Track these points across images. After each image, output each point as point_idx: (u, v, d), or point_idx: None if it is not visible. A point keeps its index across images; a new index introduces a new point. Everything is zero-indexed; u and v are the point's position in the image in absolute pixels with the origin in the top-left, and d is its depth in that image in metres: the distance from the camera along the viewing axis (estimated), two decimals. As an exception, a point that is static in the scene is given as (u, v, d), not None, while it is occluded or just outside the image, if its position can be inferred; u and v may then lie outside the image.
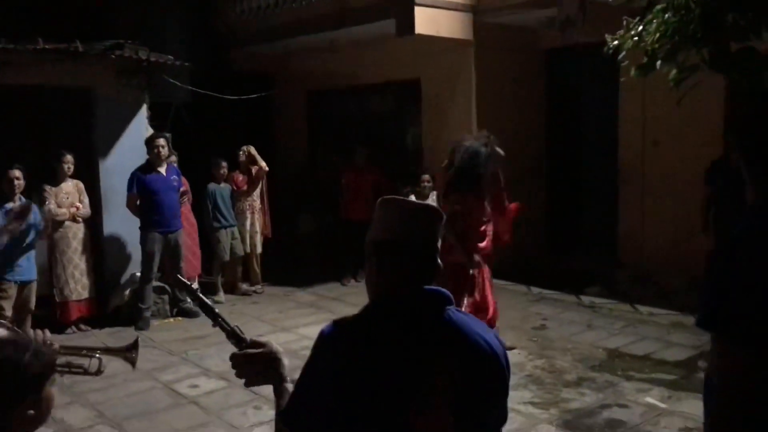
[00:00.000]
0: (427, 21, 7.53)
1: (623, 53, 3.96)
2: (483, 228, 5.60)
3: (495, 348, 1.58)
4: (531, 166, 8.78)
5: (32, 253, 6.00)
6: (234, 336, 1.74)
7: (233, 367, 1.70)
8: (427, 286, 1.57)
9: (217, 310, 1.82)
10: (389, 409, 1.47)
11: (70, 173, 6.57)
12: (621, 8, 4.17)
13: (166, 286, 7.23)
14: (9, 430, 1.67)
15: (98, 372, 2.30)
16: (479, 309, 5.47)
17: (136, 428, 4.51)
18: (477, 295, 5.53)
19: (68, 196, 6.55)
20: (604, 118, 8.14)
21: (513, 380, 5.04)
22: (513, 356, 5.63)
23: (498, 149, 5.73)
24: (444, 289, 1.59)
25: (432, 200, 8.07)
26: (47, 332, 2.16)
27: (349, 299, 7.44)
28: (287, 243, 9.31)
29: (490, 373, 1.57)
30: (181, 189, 7.28)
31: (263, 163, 8.05)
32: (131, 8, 8.75)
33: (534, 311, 7.13)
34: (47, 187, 6.45)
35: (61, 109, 6.98)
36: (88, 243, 6.72)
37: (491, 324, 5.41)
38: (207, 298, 1.87)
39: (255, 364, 1.69)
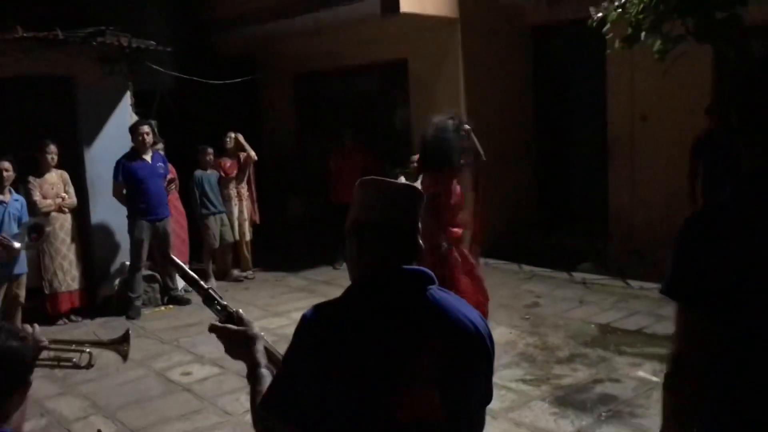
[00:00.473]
0: (412, -1, 7.46)
1: (608, 26, 3.93)
2: (454, 209, 5.41)
3: (479, 326, 1.57)
4: (520, 143, 8.76)
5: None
6: (224, 311, 1.80)
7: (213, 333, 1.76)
8: (408, 266, 1.55)
9: (207, 286, 1.85)
10: (374, 390, 1.46)
11: (54, 164, 6.49)
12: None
13: (156, 275, 7.19)
14: (8, 415, 1.69)
15: (89, 366, 2.28)
16: None
17: (129, 417, 4.50)
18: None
19: (53, 186, 6.48)
20: (592, 94, 8.11)
21: (505, 358, 5.11)
22: (505, 334, 5.66)
23: (474, 139, 5.54)
24: (426, 269, 1.57)
25: (421, 180, 8.04)
26: (36, 327, 2.14)
27: (341, 282, 7.40)
28: (276, 228, 9.28)
29: (475, 352, 1.56)
30: (169, 176, 7.22)
31: (252, 153, 8.01)
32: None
33: (526, 289, 7.14)
34: (31, 179, 6.38)
35: (42, 98, 6.88)
36: (76, 233, 6.67)
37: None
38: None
39: (231, 339, 1.73)
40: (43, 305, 6.50)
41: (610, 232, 7.82)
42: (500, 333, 5.63)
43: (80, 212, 6.87)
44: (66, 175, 6.61)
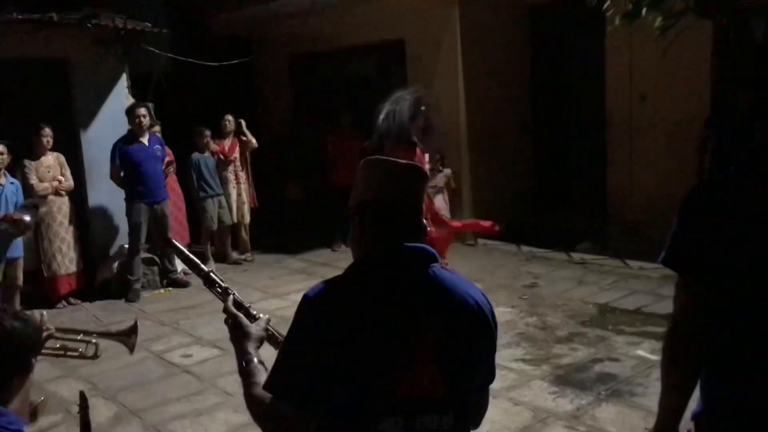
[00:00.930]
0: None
1: (608, 2, 3.90)
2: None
3: (482, 305, 1.57)
4: (518, 123, 8.74)
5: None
6: (225, 293, 1.80)
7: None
8: (410, 244, 1.54)
9: (207, 269, 1.85)
10: (376, 367, 1.46)
11: (49, 146, 6.45)
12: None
13: (155, 258, 7.19)
14: (8, 398, 1.69)
15: (95, 356, 2.27)
16: None
17: (130, 399, 4.51)
18: None
19: (49, 169, 6.45)
20: (590, 73, 8.07)
21: (505, 338, 5.13)
22: (504, 315, 5.68)
23: (434, 116, 5.37)
24: (428, 247, 1.57)
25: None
26: (44, 313, 2.14)
27: (340, 264, 7.42)
28: (275, 210, 9.26)
29: (477, 330, 1.56)
30: (166, 159, 7.19)
31: (253, 140, 7.98)
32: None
33: (525, 270, 7.15)
34: (27, 162, 6.35)
35: (38, 81, 6.83)
36: (74, 216, 6.65)
37: None
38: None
39: (231, 329, 1.73)
40: (42, 288, 6.50)
41: (608, 212, 7.82)
42: (500, 313, 5.59)
43: (78, 195, 6.85)
44: (62, 158, 6.58)
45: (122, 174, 6.77)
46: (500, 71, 8.46)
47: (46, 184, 6.38)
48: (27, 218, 5.62)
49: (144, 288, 6.97)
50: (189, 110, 8.83)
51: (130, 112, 6.78)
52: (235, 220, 8.05)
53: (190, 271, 6.57)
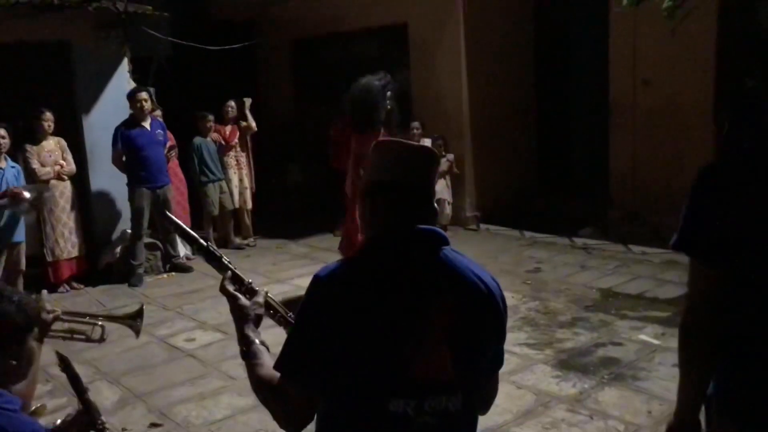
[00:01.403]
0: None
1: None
2: None
3: (491, 288, 1.57)
4: (521, 107, 8.70)
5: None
6: (227, 269, 1.76)
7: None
8: (421, 226, 1.54)
9: (206, 244, 1.82)
10: (387, 346, 1.46)
11: (50, 131, 6.43)
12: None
13: (158, 242, 7.18)
14: (7, 380, 1.67)
15: (101, 339, 2.27)
16: None
17: (134, 382, 4.53)
18: None
19: (51, 154, 6.44)
20: (593, 58, 8.02)
21: (508, 323, 5.07)
22: (508, 299, 5.63)
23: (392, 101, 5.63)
24: (440, 230, 1.56)
25: (422, 147, 8.00)
26: (45, 293, 2.13)
27: (342, 249, 7.43)
28: (277, 195, 9.25)
29: (486, 312, 1.56)
30: (168, 144, 7.17)
31: (253, 123, 7.95)
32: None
33: (527, 255, 7.15)
34: (29, 147, 6.33)
35: (38, 65, 6.80)
36: (76, 201, 6.64)
37: None
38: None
39: (232, 310, 1.71)
40: (45, 273, 6.51)
41: (611, 197, 7.80)
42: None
43: (79, 179, 6.84)
44: (63, 142, 6.57)
45: (124, 159, 6.75)
46: (503, 55, 8.41)
47: (47, 169, 6.37)
48: (26, 194, 5.63)
49: (147, 273, 6.98)
50: (190, 94, 8.80)
51: (132, 96, 6.75)
52: (237, 205, 8.04)
53: (193, 256, 6.65)
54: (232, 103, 7.98)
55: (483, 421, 1.73)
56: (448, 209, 8.07)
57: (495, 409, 1.80)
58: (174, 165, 7.42)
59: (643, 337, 4.80)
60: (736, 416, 1.60)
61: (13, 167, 5.95)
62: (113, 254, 7.03)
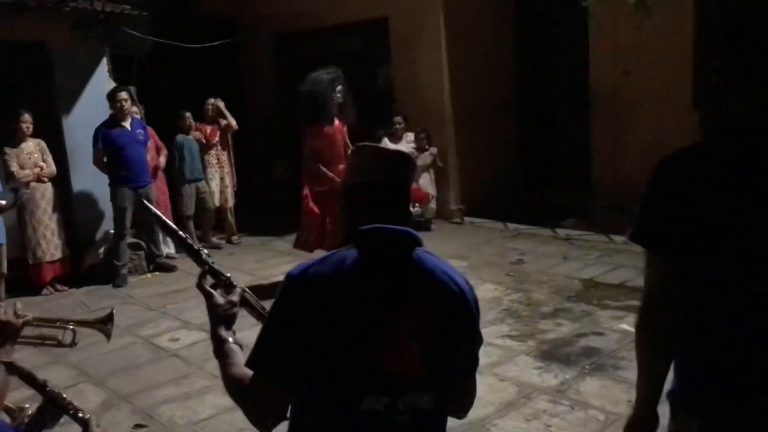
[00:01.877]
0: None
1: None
2: (334, 159, 5.96)
3: (463, 289, 1.59)
4: (503, 99, 8.73)
5: None
6: (201, 261, 1.78)
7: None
8: (394, 226, 1.56)
9: (185, 235, 1.84)
10: (359, 344, 1.48)
11: (29, 133, 6.39)
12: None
13: (141, 242, 7.16)
14: None
15: (72, 344, 2.27)
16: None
17: (119, 384, 4.53)
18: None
19: (30, 156, 6.40)
20: (574, 50, 8.06)
21: (491, 315, 5.17)
22: (490, 291, 5.73)
23: (344, 95, 5.94)
24: (413, 230, 1.59)
25: (406, 141, 8.03)
26: (18, 304, 2.13)
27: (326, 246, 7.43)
28: (261, 193, 9.23)
29: (457, 312, 1.58)
30: (152, 145, 7.15)
31: (233, 121, 7.91)
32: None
33: (511, 247, 7.19)
34: (7, 149, 6.29)
35: (15, 66, 6.73)
36: (57, 202, 6.61)
37: None
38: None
39: (208, 308, 1.71)
40: (28, 275, 6.48)
41: (593, 188, 7.86)
42: (485, 290, 5.70)
43: (61, 181, 6.80)
44: (43, 144, 6.52)
45: (105, 159, 6.72)
46: (485, 48, 8.43)
47: (27, 171, 6.33)
48: (2, 202, 5.59)
49: (130, 273, 6.95)
50: (172, 93, 8.74)
51: (112, 96, 6.72)
52: (218, 204, 8.01)
53: (176, 255, 6.64)
54: (211, 100, 7.95)
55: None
56: (433, 203, 8.10)
57: (478, 402, 1.82)
58: (154, 162, 7.39)
59: (624, 326, 4.85)
60: (697, 411, 1.61)
61: (-10, 170, 5.91)
62: (96, 255, 7.00)
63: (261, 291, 1.88)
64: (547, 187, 8.62)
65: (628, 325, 4.86)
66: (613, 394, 3.90)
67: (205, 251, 1.82)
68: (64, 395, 2.02)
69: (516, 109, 8.95)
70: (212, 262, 1.79)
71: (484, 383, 3.92)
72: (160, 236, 7.21)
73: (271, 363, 1.50)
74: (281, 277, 1.57)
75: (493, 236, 7.68)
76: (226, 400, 4.06)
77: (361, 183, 1.61)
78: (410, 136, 8.12)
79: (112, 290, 6.62)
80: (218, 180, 7.98)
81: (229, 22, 10.14)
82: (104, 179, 6.84)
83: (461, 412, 1.76)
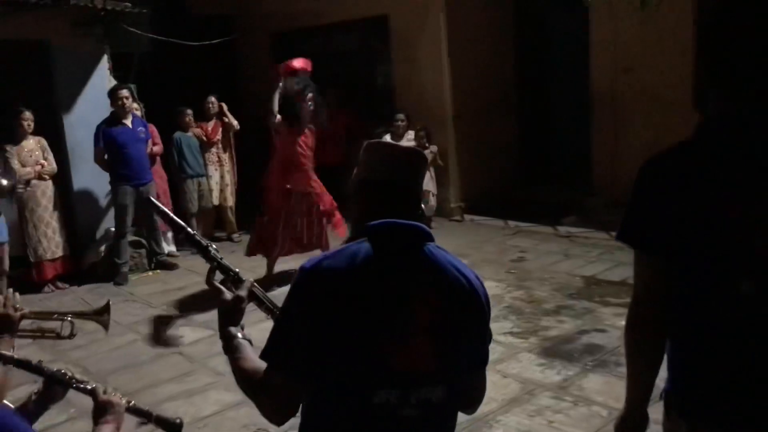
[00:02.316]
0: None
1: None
2: (302, 162, 6.07)
3: (474, 284, 1.61)
4: (503, 97, 8.74)
5: (1, 214, 5.90)
6: (209, 257, 1.79)
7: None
8: (406, 221, 1.57)
9: (194, 234, 1.85)
10: (371, 338, 1.48)
11: (30, 130, 6.39)
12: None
13: (142, 240, 7.16)
14: None
15: (71, 335, 2.28)
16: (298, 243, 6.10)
17: (121, 381, 4.52)
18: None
19: (31, 154, 6.39)
20: (574, 47, 8.07)
21: (493, 312, 5.11)
22: (492, 288, 5.72)
23: (315, 104, 6.05)
24: (424, 225, 1.60)
25: (407, 139, 8.03)
26: (17, 295, 2.14)
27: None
28: (260, 190, 9.21)
29: (468, 307, 1.59)
30: (155, 149, 7.16)
31: (234, 122, 7.92)
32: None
33: (511, 244, 7.20)
34: (8, 147, 6.28)
35: (16, 64, 6.73)
36: (58, 200, 6.61)
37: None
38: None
39: (218, 306, 1.72)
40: (29, 273, 6.48)
41: (593, 185, 7.87)
42: (487, 287, 5.63)
43: (62, 179, 6.80)
44: (44, 142, 6.52)
45: (106, 157, 6.71)
46: (485, 46, 8.44)
47: (28, 169, 6.32)
48: (3, 181, 5.61)
49: (132, 271, 6.95)
50: (171, 90, 8.74)
51: (113, 94, 6.71)
52: (217, 202, 8.02)
53: (177, 253, 6.65)
54: (213, 99, 7.95)
55: (470, 412, 1.78)
56: (433, 201, 8.09)
57: (481, 399, 1.83)
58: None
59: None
60: (686, 412, 1.60)
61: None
62: (97, 253, 7.00)
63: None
64: (547, 185, 8.63)
65: (629, 321, 4.86)
66: (616, 390, 3.90)
67: (214, 247, 1.83)
68: (63, 370, 2.04)
69: (516, 106, 8.96)
70: (221, 258, 1.80)
71: (487, 380, 3.92)
72: (161, 234, 7.22)
73: (285, 356, 1.51)
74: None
75: (493, 234, 7.68)
76: (230, 397, 4.09)
77: (373, 179, 1.63)
78: (410, 134, 8.12)
79: (113, 288, 6.62)
80: (218, 178, 7.99)
81: (228, 20, 10.14)
82: (105, 177, 6.83)
83: (471, 406, 1.77)
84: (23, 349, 2.23)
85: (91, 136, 6.69)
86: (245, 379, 1.60)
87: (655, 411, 1.75)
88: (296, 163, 6.05)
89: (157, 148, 7.37)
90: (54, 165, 6.55)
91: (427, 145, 7.96)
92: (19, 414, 1.92)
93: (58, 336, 2.27)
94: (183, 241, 7.42)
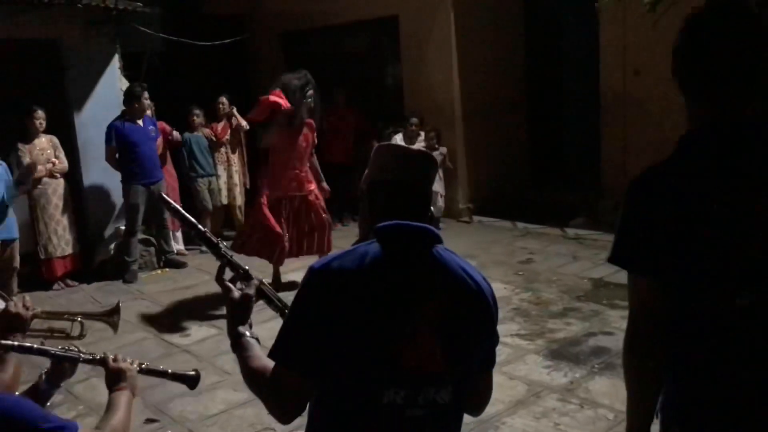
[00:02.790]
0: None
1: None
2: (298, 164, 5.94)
3: (482, 286, 1.61)
4: (512, 98, 8.73)
5: (12, 211, 5.95)
6: (224, 257, 1.80)
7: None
8: (416, 223, 1.58)
9: (205, 231, 1.86)
10: (379, 338, 1.49)
11: (42, 129, 6.45)
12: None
13: (152, 238, 7.20)
14: None
15: (80, 336, 2.30)
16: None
17: (130, 379, 4.55)
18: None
19: (43, 152, 6.45)
20: (584, 49, 8.05)
21: (500, 314, 5.07)
22: (500, 290, 5.72)
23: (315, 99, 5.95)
24: (433, 227, 1.61)
25: (420, 142, 8.03)
26: (26, 297, 2.17)
27: (336, 243, 7.43)
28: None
29: (476, 309, 1.60)
30: (161, 141, 7.19)
31: (244, 123, 7.94)
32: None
33: (520, 246, 7.20)
34: (21, 145, 6.34)
35: (29, 63, 6.79)
36: (69, 198, 6.66)
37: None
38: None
39: (226, 302, 1.74)
40: (39, 270, 6.54)
41: (602, 187, 7.85)
42: (494, 289, 5.58)
43: (72, 177, 6.85)
44: (55, 140, 6.57)
45: (117, 156, 6.75)
46: (494, 47, 8.43)
47: (40, 167, 6.38)
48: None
49: (141, 269, 7.00)
50: (182, 90, 8.79)
51: (135, 95, 6.71)
52: (225, 202, 8.06)
53: (186, 252, 6.69)
54: (224, 99, 7.98)
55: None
56: (441, 202, 8.09)
57: (487, 400, 1.83)
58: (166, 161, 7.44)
59: (633, 326, 4.84)
60: (683, 428, 1.60)
61: (0, 164, 5.95)
62: (107, 251, 7.05)
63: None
64: (556, 187, 8.62)
65: (637, 324, 4.86)
66: (622, 393, 3.83)
67: (224, 244, 1.84)
68: (67, 347, 2.06)
69: (525, 107, 8.95)
70: (231, 256, 1.82)
71: (493, 381, 3.93)
72: (171, 232, 7.26)
73: (294, 354, 1.52)
74: (291, 276, 1.59)
75: (502, 235, 7.68)
76: (237, 396, 4.11)
77: (383, 180, 1.64)
78: (421, 135, 8.12)
79: (123, 286, 6.66)
80: (226, 178, 8.02)
81: (238, 20, 10.17)
82: (115, 176, 6.88)
83: (478, 408, 1.78)
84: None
85: (101, 135, 6.73)
86: (253, 378, 1.61)
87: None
88: (294, 158, 5.88)
89: (176, 134, 7.41)
90: (65, 163, 6.60)
91: (436, 146, 7.96)
92: (30, 396, 1.95)
93: (68, 336, 2.29)
94: (192, 239, 7.49)
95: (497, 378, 4.14)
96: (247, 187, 8.27)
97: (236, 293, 1.73)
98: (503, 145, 8.63)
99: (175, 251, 7.30)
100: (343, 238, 6.05)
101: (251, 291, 1.75)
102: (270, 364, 1.56)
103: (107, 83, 7.13)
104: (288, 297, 1.69)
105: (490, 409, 3.68)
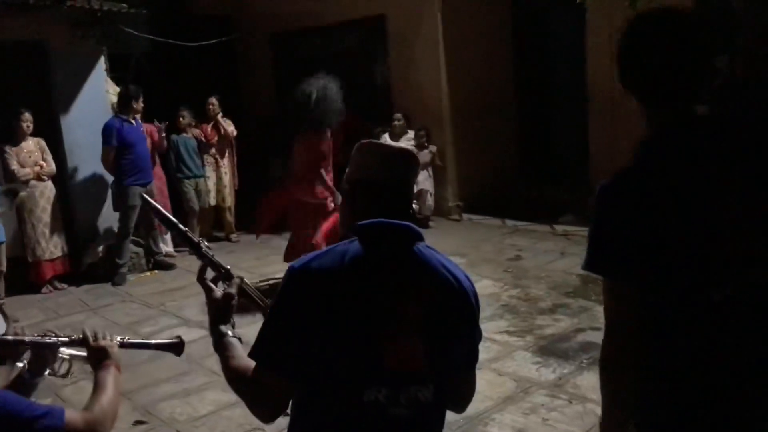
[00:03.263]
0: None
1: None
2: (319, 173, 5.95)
3: (463, 284, 1.61)
4: (500, 96, 8.74)
5: (-2, 215, 5.93)
6: (206, 257, 1.80)
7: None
8: (397, 221, 1.58)
9: (186, 230, 1.86)
10: (361, 337, 1.49)
11: (29, 131, 6.42)
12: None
13: (140, 240, 7.18)
14: None
15: (66, 375, 2.19)
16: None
17: (119, 381, 4.54)
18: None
19: (30, 154, 6.42)
20: (572, 47, 8.07)
21: (489, 310, 5.20)
22: (488, 287, 5.75)
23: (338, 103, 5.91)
24: (414, 225, 1.61)
25: (406, 139, 8.05)
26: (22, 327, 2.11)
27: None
28: (259, 190, 9.23)
29: (458, 307, 1.60)
30: (149, 144, 7.18)
31: (230, 129, 7.93)
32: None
33: (509, 243, 7.22)
34: (8, 148, 6.31)
35: (14, 65, 6.75)
36: (57, 200, 6.62)
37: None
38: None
39: (207, 302, 1.73)
40: (27, 273, 6.50)
41: (591, 184, 7.87)
42: (484, 286, 5.72)
43: (60, 179, 6.81)
44: (43, 143, 6.54)
45: (112, 156, 6.71)
46: (482, 45, 8.45)
47: (27, 170, 6.35)
48: None
49: (129, 271, 6.97)
50: (170, 91, 8.76)
51: (128, 95, 6.71)
52: (214, 203, 8.04)
53: (175, 253, 6.64)
54: (214, 100, 7.97)
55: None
56: (431, 200, 8.11)
57: (476, 397, 1.84)
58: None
59: (621, 321, 4.86)
60: (657, 429, 1.60)
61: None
62: (95, 253, 7.01)
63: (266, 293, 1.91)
64: (544, 184, 8.64)
65: (625, 320, 4.88)
66: (611, 388, 3.92)
67: (206, 244, 1.84)
68: (44, 334, 1.99)
69: (514, 106, 8.97)
70: (212, 255, 1.82)
71: (482, 378, 3.92)
72: (159, 234, 7.24)
73: (274, 354, 1.52)
74: (281, 275, 1.58)
75: (491, 233, 7.70)
76: (226, 397, 4.10)
77: (365, 179, 1.64)
78: (410, 133, 8.14)
79: (112, 288, 6.64)
80: (215, 179, 8.01)
81: (226, 20, 10.14)
82: (103, 177, 6.87)
83: (461, 406, 1.78)
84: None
85: (88, 137, 6.71)
86: (235, 377, 1.61)
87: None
88: (330, 164, 5.92)
89: (163, 126, 7.37)
90: (53, 166, 6.57)
91: (426, 144, 7.98)
92: (14, 389, 1.90)
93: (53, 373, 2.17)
94: (180, 240, 7.49)
95: (486, 374, 4.17)
96: (237, 188, 8.26)
97: (217, 292, 1.73)
98: (492, 143, 8.64)
99: (164, 253, 7.28)
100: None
101: (233, 290, 1.75)
102: (251, 363, 1.56)
103: (94, 85, 7.11)
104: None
105: (478, 406, 3.72)
